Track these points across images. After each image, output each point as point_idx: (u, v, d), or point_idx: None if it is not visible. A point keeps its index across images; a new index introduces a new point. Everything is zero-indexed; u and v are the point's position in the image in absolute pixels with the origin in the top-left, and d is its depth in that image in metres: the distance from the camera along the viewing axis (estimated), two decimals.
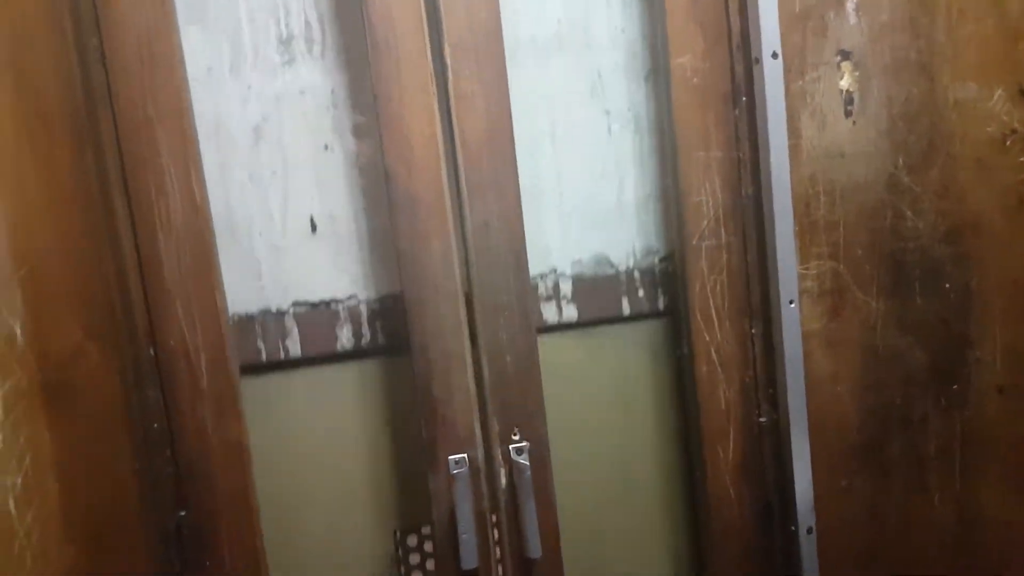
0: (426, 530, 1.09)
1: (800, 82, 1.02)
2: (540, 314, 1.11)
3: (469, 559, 1.02)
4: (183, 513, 0.99)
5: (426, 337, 1.01)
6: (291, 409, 1.07)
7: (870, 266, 1.06)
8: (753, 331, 1.07)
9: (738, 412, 1.08)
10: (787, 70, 1.01)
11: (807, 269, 1.04)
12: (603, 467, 1.15)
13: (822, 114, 1.03)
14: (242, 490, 1.00)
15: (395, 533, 1.10)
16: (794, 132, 1.02)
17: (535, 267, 1.09)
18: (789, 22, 1.00)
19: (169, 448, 0.99)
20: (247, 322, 1.04)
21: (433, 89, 0.98)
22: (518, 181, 1.01)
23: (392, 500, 1.10)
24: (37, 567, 0.76)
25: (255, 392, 1.04)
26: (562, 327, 1.12)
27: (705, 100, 1.03)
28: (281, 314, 1.04)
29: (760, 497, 1.09)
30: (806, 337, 1.04)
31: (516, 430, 1.04)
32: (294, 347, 1.05)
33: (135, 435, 0.96)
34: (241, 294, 1.03)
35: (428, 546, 1.10)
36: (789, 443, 1.05)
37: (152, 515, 0.97)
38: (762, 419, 1.08)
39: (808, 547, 1.06)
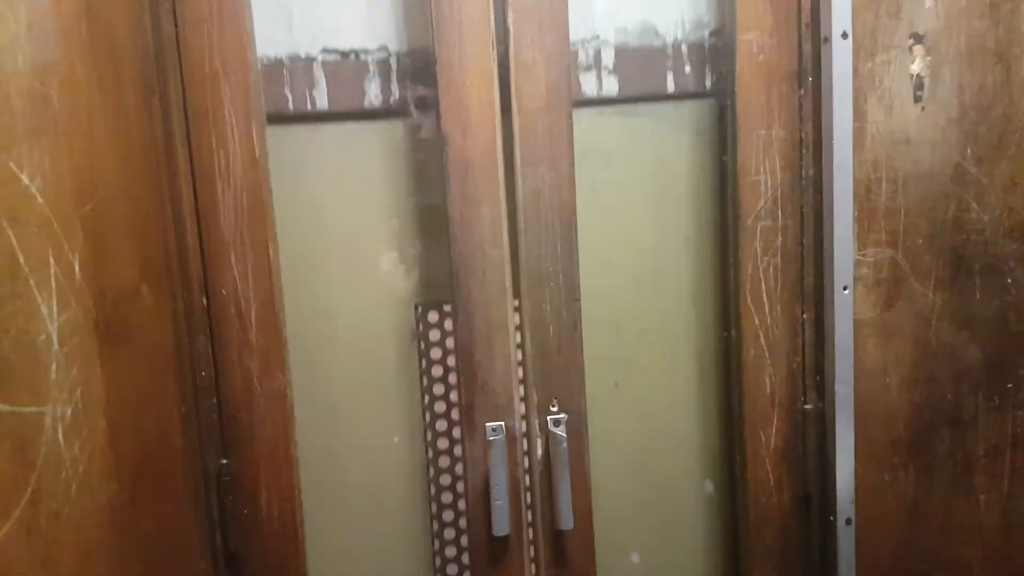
0: (447, 307, 1.07)
1: (869, 64, 0.99)
2: (578, 85, 1.05)
3: (501, 526, 1.02)
4: (224, 461, 1.01)
5: (471, 302, 1.01)
6: (315, 164, 1.04)
7: (929, 257, 1.03)
8: (804, 316, 1.05)
9: (783, 398, 1.06)
10: (856, 51, 0.98)
11: (863, 256, 1.02)
12: (633, 258, 1.11)
13: (890, 98, 1.00)
14: (283, 443, 1.02)
15: (416, 308, 1.08)
16: (860, 115, 0.99)
17: (576, 32, 1.03)
18: (862, 1, 0.97)
19: (215, 396, 1.01)
20: (275, 67, 1.01)
21: (494, 55, 0.97)
22: (573, 152, 1.00)
23: (414, 273, 1.07)
24: (81, 498, 0.78)
25: (280, 142, 1.02)
26: (601, 102, 1.06)
27: (770, 77, 1.01)
28: (309, 60, 1.01)
29: (800, 485, 1.08)
30: (858, 326, 1.02)
31: (555, 401, 1.04)
32: (321, 99, 1.02)
33: (183, 381, 0.98)
34: (270, 36, 1.00)
35: (448, 324, 1.07)
36: (834, 432, 1.03)
37: (194, 460, 0.99)
38: (807, 406, 1.06)
39: (846, 538, 1.05)
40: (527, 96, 0.98)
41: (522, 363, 1.03)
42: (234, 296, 0.99)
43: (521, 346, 1.03)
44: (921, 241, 1.02)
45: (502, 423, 1.02)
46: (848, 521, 1.05)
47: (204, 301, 0.99)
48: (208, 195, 0.97)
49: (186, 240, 0.97)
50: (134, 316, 0.89)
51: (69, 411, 0.77)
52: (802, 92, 1.01)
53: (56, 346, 0.76)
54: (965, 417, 1.06)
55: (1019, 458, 1.06)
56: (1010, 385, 1.05)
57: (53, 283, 0.76)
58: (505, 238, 1.00)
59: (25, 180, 0.72)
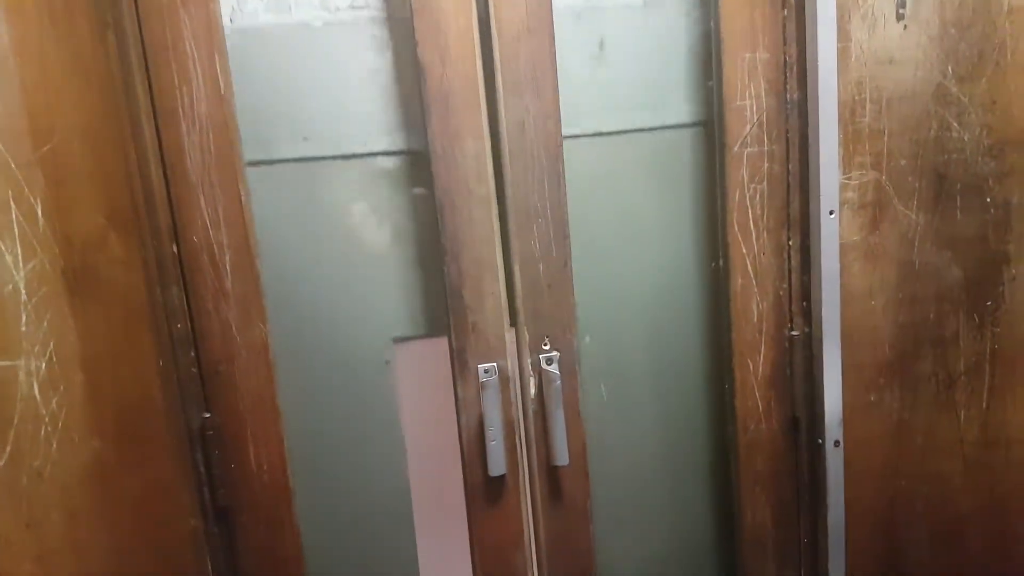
0: None
1: None
2: None
3: (497, 466, 1.01)
4: (207, 415, 0.97)
5: (457, 243, 0.98)
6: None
7: (912, 178, 1.03)
8: (790, 242, 1.04)
9: (771, 325, 1.06)
10: None
11: (848, 179, 1.01)
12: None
13: (873, 17, 0.98)
14: (267, 394, 0.98)
15: None
16: (843, 34, 0.98)
17: None
18: None
19: (193, 349, 0.96)
20: None
21: None
22: (556, 79, 0.96)
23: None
24: (63, 455, 0.74)
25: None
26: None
27: None
28: None
29: (788, 410, 1.09)
30: (844, 249, 1.02)
31: (546, 340, 1.02)
32: None
33: (159, 333, 0.93)
34: None
35: None
36: (821, 356, 1.04)
37: (177, 416, 0.95)
38: (794, 332, 1.06)
39: (834, 460, 1.06)
40: (507, 20, 0.94)
41: (512, 303, 1.01)
42: (206, 243, 0.95)
43: (510, 286, 1.00)
44: (904, 162, 1.02)
45: (494, 364, 1.00)
46: (836, 443, 1.06)
47: (175, 249, 0.94)
48: (172, 135, 0.91)
49: (151, 183, 0.91)
50: (104, 265, 0.83)
51: (43, 365, 0.73)
52: (785, 13, 0.99)
53: (24, 296, 0.71)
54: (947, 336, 1.07)
55: (998, 374, 1.09)
56: (989, 303, 1.07)
57: (16, 229, 0.70)
58: (490, 172, 0.97)
59: None
